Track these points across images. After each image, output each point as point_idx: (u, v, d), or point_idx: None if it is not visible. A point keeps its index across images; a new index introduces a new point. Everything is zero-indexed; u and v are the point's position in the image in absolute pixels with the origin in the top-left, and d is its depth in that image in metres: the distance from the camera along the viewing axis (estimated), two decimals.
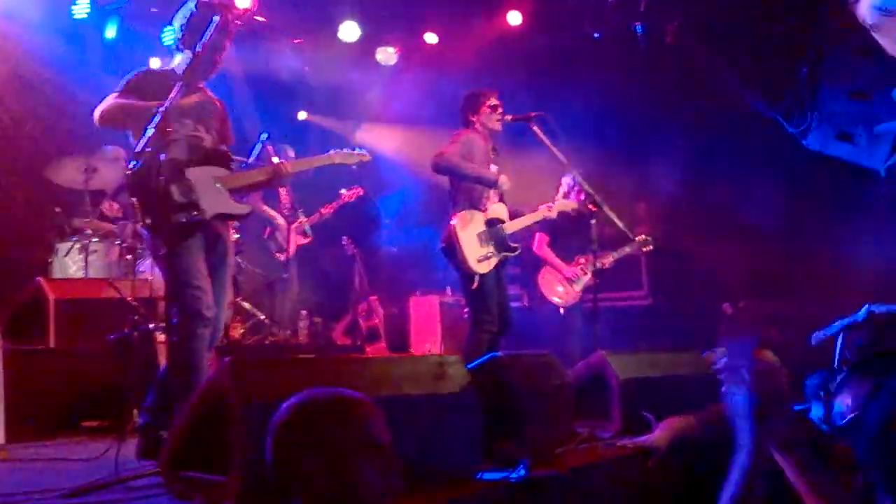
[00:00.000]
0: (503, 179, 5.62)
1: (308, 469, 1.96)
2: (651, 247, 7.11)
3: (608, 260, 7.02)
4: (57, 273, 6.47)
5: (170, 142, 4.03)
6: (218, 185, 4.18)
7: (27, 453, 4.48)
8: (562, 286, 6.93)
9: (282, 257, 7.52)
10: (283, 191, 7.48)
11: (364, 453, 1.98)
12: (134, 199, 3.98)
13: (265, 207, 7.72)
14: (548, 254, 7.08)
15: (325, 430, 1.98)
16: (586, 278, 6.93)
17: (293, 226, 7.48)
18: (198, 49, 4.13)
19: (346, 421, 2.00)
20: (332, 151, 4.75)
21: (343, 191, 7.81)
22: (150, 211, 4.00)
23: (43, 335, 5.69)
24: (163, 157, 3.98)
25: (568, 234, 6.94)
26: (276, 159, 7.17)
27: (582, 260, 6.94)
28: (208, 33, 4.14)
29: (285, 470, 2.00)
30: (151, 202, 3.98)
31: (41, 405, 5.13)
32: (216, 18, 4.15)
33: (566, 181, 6.85)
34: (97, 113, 4.15)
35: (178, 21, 4.31)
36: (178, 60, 4.32)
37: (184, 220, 4.02)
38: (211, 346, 4.13)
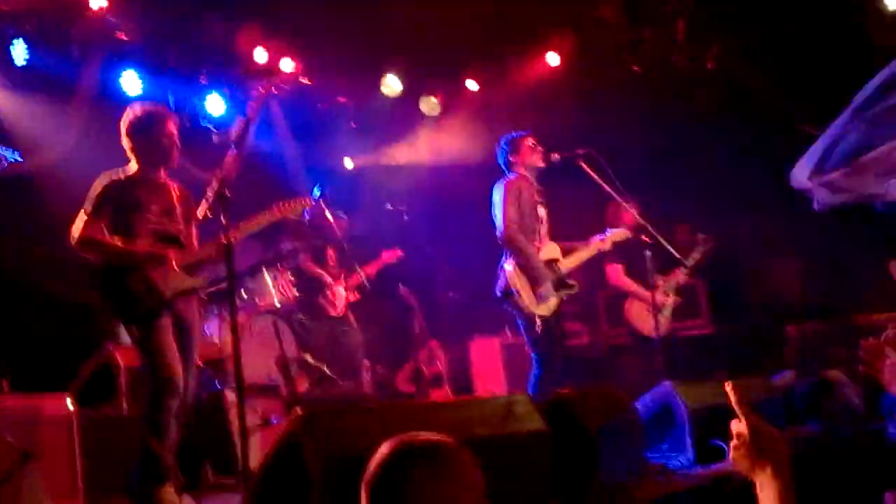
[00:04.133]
0: (547, 288, 5.59)
1: None
2: (713, 243, 6.92)
3: (682, 278, 6.87)
4: (125, 340, 6.60)
5: (135, 237, 4.53)
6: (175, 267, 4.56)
7: None
8: (651, 316, 6.58)
9: (332, 313, 7.59)
10: (330, 251, 7.63)
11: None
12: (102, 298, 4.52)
13: (314, 268, 7.81)
14: (628, 284, 6.84)
15: (424, 479, 1.90)
16: (671, 301, 6.79)
17: (349, 283, 7.59)
18: (248, 115, 4.31)
19: (446, 470, 1.92)
20: (274, 206, 4.90)
21: (383, 252, 7.93)
22: (118, 307, 4.55)
23: (115, 402, 5.82)
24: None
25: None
26: (328, 214, 7.36)
27: (660, 282, 6.70)
28: (258, 101, 4.32)
29: None
30: (117, 299, 4.50)
31: (117, 471, 5.22)
32: (261, 90, 4.39)
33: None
34: (74, 238, 4.52)
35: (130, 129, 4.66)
36: (133, 165, 4.68)
37: (148, 306, 4.45)
38: (178, 415, 4.50)
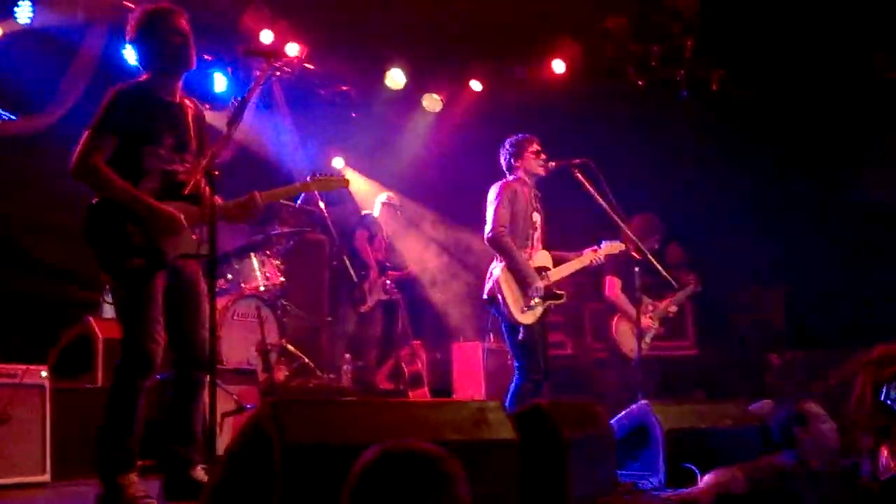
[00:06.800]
0: (539, 286, 5.53)
1: None
2: (701, 287, 6.90)
3: (673, 308, 6.86)
4: (107, 313, 6.57)
5: (143, 176, 3.88)
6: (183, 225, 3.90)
7: (73, 491, 4.53)
8: (635, 337, 6.50)
9: (362, 308, 7.58)
10: (381, 237, 7.65)
11: None
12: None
13: (368, 252, 7.75)
14: (622, 301, 6.77)
15: (409, 490, 1.85)
16: (655, 327, 6.77)
17: (382, 280, 7.62)
18: (245, 96, 4.10)
19: (432, 482, 1.87)
20: (309, 178, 4.43)
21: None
22: (105, 256, 3.86)
23: (91, 373, 5.78)
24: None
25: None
26: (321, 203, 7.30)
27: (650, 308, 6.70)
28: (257, 82, 4.18)
29: None
30: (109, 248, 3.84)
31: (87, 443, 5.18)
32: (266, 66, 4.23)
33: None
34: (76, 162, 3.87)
35: (133, 36, 4.00)
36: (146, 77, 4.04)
37: (144, 265, 3.84)
38: (199, 369, 4.04)
